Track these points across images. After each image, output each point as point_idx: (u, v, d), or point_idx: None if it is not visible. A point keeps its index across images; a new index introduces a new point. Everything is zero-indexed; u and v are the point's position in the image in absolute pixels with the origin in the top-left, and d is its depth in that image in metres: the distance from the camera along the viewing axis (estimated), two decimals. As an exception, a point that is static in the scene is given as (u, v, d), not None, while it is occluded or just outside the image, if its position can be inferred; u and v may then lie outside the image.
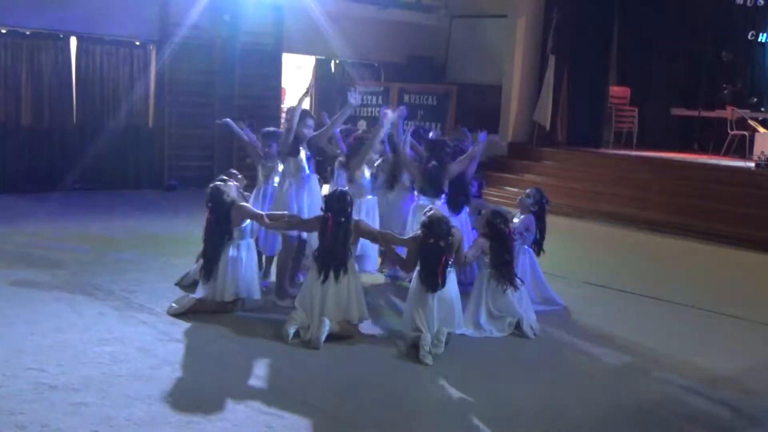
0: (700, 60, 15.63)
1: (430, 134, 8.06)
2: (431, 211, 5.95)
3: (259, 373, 5.13)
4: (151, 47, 12.47)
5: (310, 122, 6.69)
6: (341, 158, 7.40)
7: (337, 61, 14.79)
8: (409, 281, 6.75)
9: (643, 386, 5.34)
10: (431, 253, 5.66)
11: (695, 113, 14.81)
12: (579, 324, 6.62)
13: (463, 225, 6.91)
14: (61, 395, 4.51)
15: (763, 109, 14.47)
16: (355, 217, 6.09)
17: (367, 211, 7.09)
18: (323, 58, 14.75)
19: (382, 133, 7.21)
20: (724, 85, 15.21)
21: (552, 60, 14.13)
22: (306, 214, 6.34)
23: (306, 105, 7.91)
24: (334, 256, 5.77)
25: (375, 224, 6.72)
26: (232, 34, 12.73)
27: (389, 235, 6.22)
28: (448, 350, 5.61)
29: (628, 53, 15.81)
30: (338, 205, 5.83)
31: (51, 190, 11.12)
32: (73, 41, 11.83)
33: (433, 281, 5.65)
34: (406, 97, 13.97)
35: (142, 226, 9.53)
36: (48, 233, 8.75)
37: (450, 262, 5.76)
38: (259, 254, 6.87)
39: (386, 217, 7.46)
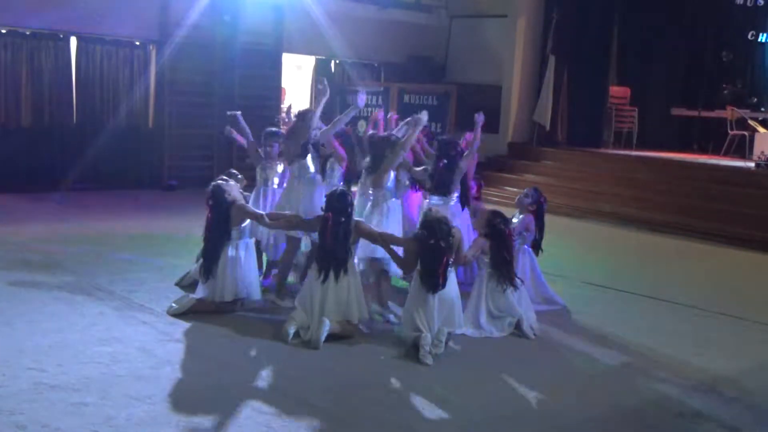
0: (700, 60, 15.64)
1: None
2: (431, 212, 5.95)
3: (259, 373, 5.13)
4: (151, 47, 12.47)
5: (320, 123, 6.72)
6: (337, 158, 7.34)
7: (337, 61, 14.79)
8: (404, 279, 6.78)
9: (643, 386, 5.34)
10: (432, 254, 5.65)
11: (695, 113, 14.82)
12: (579, 324, 6.62)
13: (464, 222, 6.91)
14: (61, 395, 4.51)
15: (763, 109, 14.46)
16: (378, 221, 6.07)
17: (391, 214, 6.75)
18: (323, 58, 14.75)
19: (350, 113, 7.12)
20: (724, 85, 15.21)
21: (552, 60, 14.14)
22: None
23: (305, 105, 7.91)
24: (334, 256, 5.77)
25: (397, 228, 6.64)
26: (232, 34, 12.73)
27: (389, 235, 6.21)
28: (448, 350, 5.61)
29: (628, 53, 15.80)
30: (339, 204, 5.83)
31: (51, 190, 11.11)
32: (73, 41, 11.83)
33: (433, 282, 5.65)
34: (406, 97, 13.94)
35: (142, 226, 9.53)
36: (48, 233, 8.75)
37: (450, 262, 5.76)
38: (259, 252, 6.86)
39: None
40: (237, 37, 12.79)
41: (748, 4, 14.11)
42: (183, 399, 4.58)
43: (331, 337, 5.63)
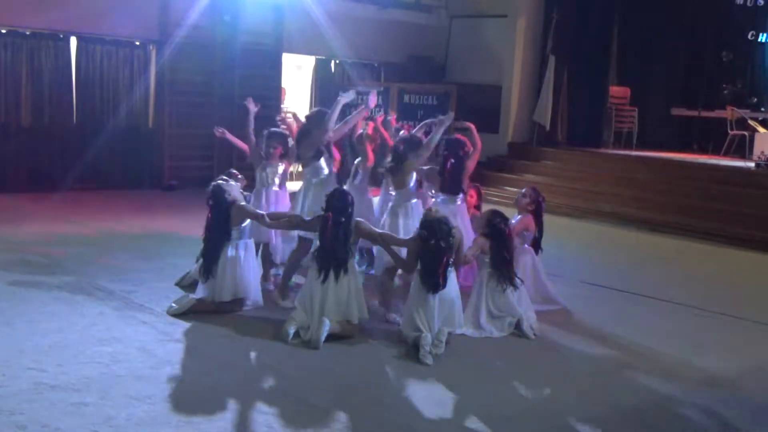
0: (700, 60, 15.63)
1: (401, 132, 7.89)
2: (431, 212, 5.95)
3: (259, 373, 5.14)
4: (151, 47, 12.47)
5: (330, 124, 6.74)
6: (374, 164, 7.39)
7: (337, 61, 14.79)
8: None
9: (643, 386, 5.34)
10: (432, 254, 5.66)
11: (695, 113, 14.81)
12: (579, 324, 6.62)
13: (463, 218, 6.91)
14: (60, 395, 4.51)
15: (763, 109, 14.46)
16: (402, 222, 6.06)
17: (414, 214, 6.66)
18: (323, 58, 14.75)
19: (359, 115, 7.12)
20: (724, 85, 15.20)
21: (552, 60, 14.13)
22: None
23: (306, 105, 7.90)
24: (335, 256, 5.77)
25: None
26: (232, 34, 12.73)
27: (389, 236, 6.21)
28: (448, 350, 5.61)
29: (628, 53, 15.80)
30: (339, 204, 5.83)
31: (51, 190, 11.12)
32: (73, 41, 11.83)
33: (434, 282, 5.65)
34: (405, 97, 13.95)
35: (142, 226, 9.54)
36: (48, 233, 8.75)
37: (450, 262, 5.76)
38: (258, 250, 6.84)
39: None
40: (237, 37, 12.79)
41: (748, 4, 14.11)
42: (183, 399, 4.58)
43: (331, 337, 5.63)
